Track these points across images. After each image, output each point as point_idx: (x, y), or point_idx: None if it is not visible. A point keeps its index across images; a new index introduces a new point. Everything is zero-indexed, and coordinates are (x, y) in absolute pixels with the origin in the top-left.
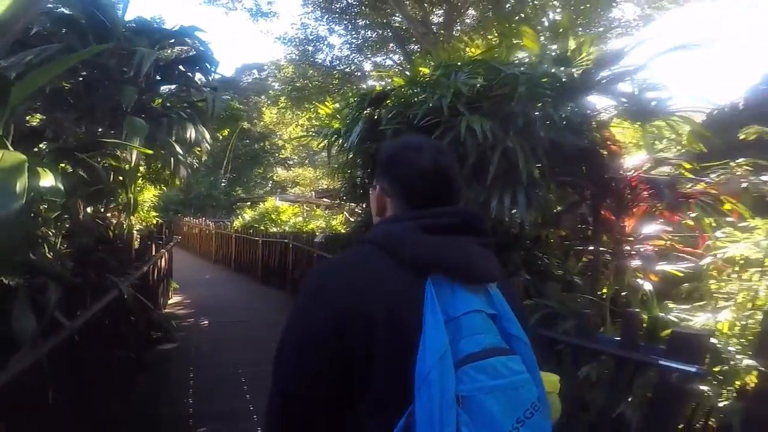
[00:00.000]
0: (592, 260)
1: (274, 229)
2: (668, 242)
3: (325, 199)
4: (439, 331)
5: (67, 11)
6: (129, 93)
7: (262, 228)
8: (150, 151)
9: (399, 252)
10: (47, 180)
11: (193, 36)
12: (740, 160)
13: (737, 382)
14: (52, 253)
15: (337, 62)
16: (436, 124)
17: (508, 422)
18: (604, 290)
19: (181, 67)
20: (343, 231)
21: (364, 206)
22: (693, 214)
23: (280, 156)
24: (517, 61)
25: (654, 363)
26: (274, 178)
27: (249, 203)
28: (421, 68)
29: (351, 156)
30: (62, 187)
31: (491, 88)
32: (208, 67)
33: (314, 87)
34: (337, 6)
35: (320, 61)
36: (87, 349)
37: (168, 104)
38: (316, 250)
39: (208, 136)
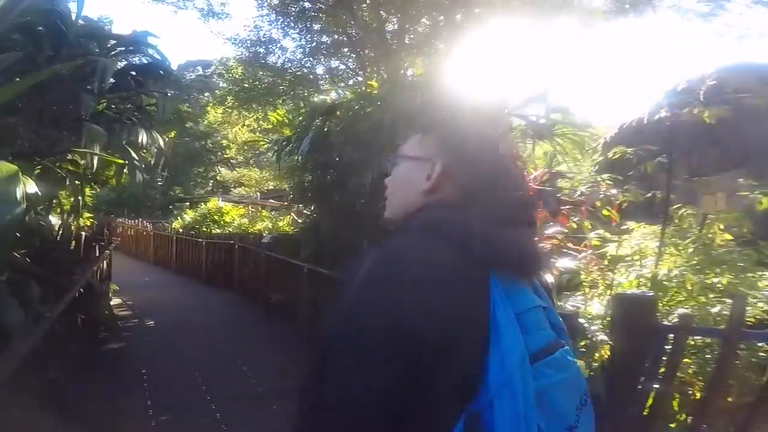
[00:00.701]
0: None
1: (218, 231)
2: (561, 242)
3: (271, 201)
4: (515, 332)
5: (21, 18)
6: (87, 101)
7: (205, 229)
8: (121, 161)
9: (468, 245)
10: (31, 187)
11: (148, 44)
12: (605, 175)
13: (596, 355)
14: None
15: (289, 65)
16: (379, 138)
17: (572, 411)
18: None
19: (135, 73)
20: (290, 232)
21: (312, 208)
22: (575, 219)
23: (225, 156)
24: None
25: None
26: (218, 178)
27: (188, 203)
28: (370, 83)
29: (301, 162)
30: (40, 193)
31: (427, 105)
32: (162, 75)
33: (263, 88)
34: (293, 9)
35: (272, 63)
36: (45, 341)
37: (120, 108)
38: (264, 251)
39: (161, 141)
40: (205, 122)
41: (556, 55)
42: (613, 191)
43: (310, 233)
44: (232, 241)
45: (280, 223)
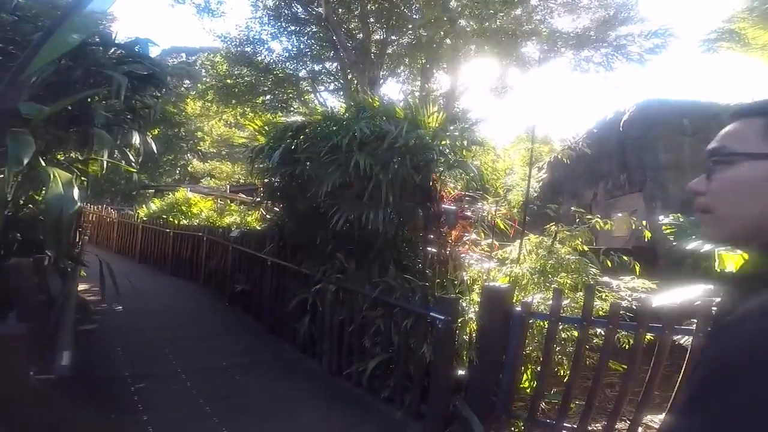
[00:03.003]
0: (429, 258)
1: (185, 222)
2: (469, 248)
3: (241, 195)
4: None
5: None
6: (99, 112)
7: (171, 220)
8: (133, 170)
9: None
10: (75, 189)
11: (149, 58)
12: (490, 200)
13: (466, 329)
14: None
15: (274, 66)
16: (335, 159)
17: None
18: (444, 279)
19: (135, 81)
20: (258, 227)
21: (279, 207)
22: (475, 231)
23: (198, 147)
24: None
25: (427, 313)
26: (189, 168)
27: (154, 191)
28: (341, 106)
29: (271, 169)
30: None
31: (374, 134)
32: (158, 84)
33: (245, 85)
34: (286, 12)
35: (257, 63)
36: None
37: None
38: (231, 244)
39: (153, 145)
40: (183, 112)
41: (518, 79)
42: (491, 208)
43: (275, 230)
44: (200, 233)
45: (249, 219)
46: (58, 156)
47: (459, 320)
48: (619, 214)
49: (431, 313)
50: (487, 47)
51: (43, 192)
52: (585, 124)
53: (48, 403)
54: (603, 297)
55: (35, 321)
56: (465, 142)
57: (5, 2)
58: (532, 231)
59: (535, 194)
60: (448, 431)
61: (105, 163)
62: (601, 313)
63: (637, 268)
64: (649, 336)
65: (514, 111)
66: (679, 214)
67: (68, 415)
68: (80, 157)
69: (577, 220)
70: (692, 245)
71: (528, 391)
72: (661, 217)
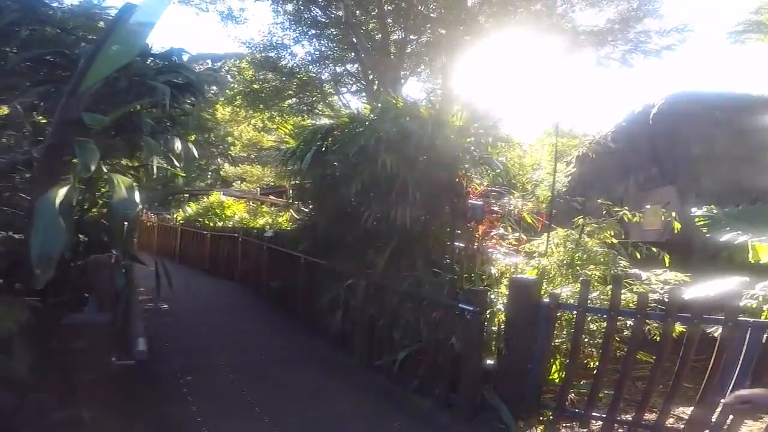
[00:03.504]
0: (457, 252)
1: (220, 224)
2: (497, 242)
3: (271, 197)
4: None
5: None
6: (146, 121)
7: (207, 222)
8: (182, 174)
9: None
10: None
11: (185, 67)
12: (516, 194)
13: (495, 320)
14: None
15: (298, 70)
16: (363, 159)
17: None
18: (472, 272)
19: (173, 90)
20: (288, 227)
21: (309, 207)
22: (501, 225)
23: (229, 152)
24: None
25: (456, 305)
26: (221, 172)
27: (188, 195)
28: (365, 107)
29: (303, 171)
30: None
31: (400, 134)
32: (195, 92)
33: (271, 90)
34: (306, 16)
35: (281, 67)
36: None
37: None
38: (266, 243)
39: (194, 150)
40: (212, 117)
41: (541, 74)
42: (518, 202)
43: (307, 229)
44: (236, 234)
45: (280, 219)
46: (115, 162)
47: (487, 312)
48: (648, 207)
49: (460, 305)
50: (509, 43)
51: (101, 196)
52: (613, 118)
53: (115, 393)
54: (634, 289)
55: (111, 311)
56: (490, 139)
57: (51, 16)
58: (561, 225)
59: (564, 188)
60: (477, 420)
61: (155, 168)
62: (631, 305)
63: (667, 260)
64: (681, 328)
65: (539, 106)
66: (712, 206)
67: (127, 407)
68: (129, 164)
69: (604, 212)
70: (726, 237)
71: (557, 381)
72: (694, 210)
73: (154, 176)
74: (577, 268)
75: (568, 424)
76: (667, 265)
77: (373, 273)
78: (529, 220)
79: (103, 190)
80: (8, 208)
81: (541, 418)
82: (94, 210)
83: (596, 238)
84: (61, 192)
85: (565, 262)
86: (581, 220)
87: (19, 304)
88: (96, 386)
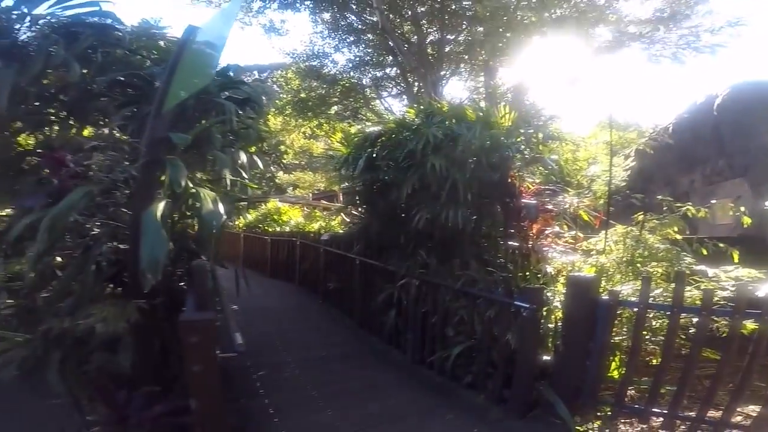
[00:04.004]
0: (510, 252)
1: (278, 229)
2: (552, 241)
3: (323, 201)
4: None
5: None
6: (216, 137)
7: (266, 228)
8: (254, 186)
9: None
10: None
11: (244, 82)
12: (571, 192)
13: (552, 317)
14: None
15: (340, 77)
16: (412, 164)
17: None
18: (526, 271)
19: (235, 105)
20: (341, 231)
21: (362, 211)
22: (556, 223)
23: (282, 160)
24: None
25: (511, 303)
26: (276, 180)
27: (247, 203)
28: (409, 111)
29: (355, 176)
30: None
31: (447, 137)
32: (256, 106)
33: (317, 97)
34: (343, 24)
35: (324, 75)
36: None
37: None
38: (323, 246)
39: (258, 161)
40: (266, 127)
41: (591, 67)
42: (573, 200)
43: (361, 231)
44: (294, 238)
45: (332, 223)
46: (192, 176)
47: (544, 309)
48: (713, 201)
49: (516, 302)
50: (552, 37)
51: (186, 209)
52: (671, 111)
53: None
54: (701, 286)
55: (210, 310)
56: (541, 136)
57: (121, 39)
58: (620, 221)
59: (623, 183)
60: (531, 415)
61: (228, 181)
62: (698, 302)
63: (736, 257)
64: (752, 325)
65: (590, 100)
66: None
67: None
68: (203, 177)
69: (665, 208)
70: None
71: (615, 377)
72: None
73: (228, 188)
74: (638, 265)
75: (627, 420)
76: (736, 261)
77: (425, 273)
78: (586, 218)
79: (189, 203)
80: (113, 221)
81: (598, 414)
82: (181, 221)
83: (658, 235)
84: (160, 206)
85: (624, 259)
86: (641, 216)
87: (128, 306)
88: (199, 379)
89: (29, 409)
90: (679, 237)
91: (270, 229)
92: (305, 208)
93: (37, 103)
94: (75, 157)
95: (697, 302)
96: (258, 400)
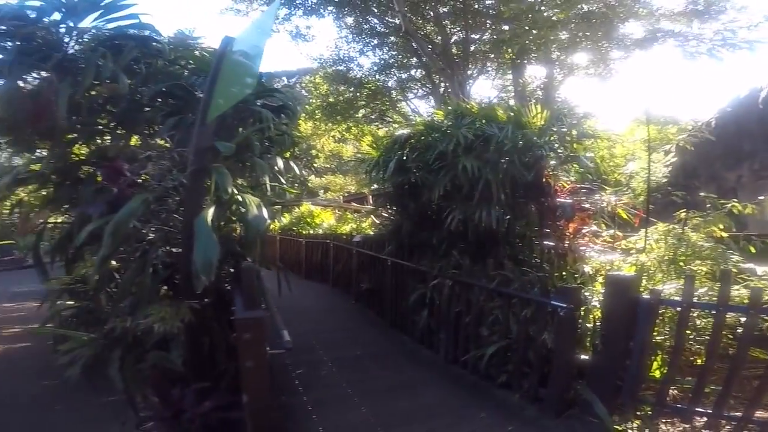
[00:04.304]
0: (546, 251)
1: (311, 231)
2: (590, 240)
3: (353, 204)
4: None
5: None
6: (255, 143)
7: (300, 230)
8: (293, 190)
9: None
10: (264, 210)
11: (278, 90)
12: (609, 190)
13: (590, 316)
14: None
15: (366, 80)
16: (443, 165)
17: None
18: (563, 271)
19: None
20: (371, 232)
21: (393, 212)
22: (593, 222)
23: (314, 164)
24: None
25: (548, 302)
26: (308, 184)
27: (282, 206)
28: (438, 112)
29: (386, 179)
30: None
31: (478, 138)
32: (290, 113)
33: (345, 101)
34: (366, 27)
35: (351, 78)
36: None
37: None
38: (355, 248)
39: (294, 166)
40: (297, 132)
41: (624, 62)
42: (611, 198)
43: (392, 233)
44: (327, 240)
45: (363, 225)
46: (237, 182)
47: (581, 308)
48: (761, 197)
49: (552, 302)
50: (580, 33)
51: (231, 214)
52: (713, 105)
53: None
54: (749, 285)
55: (259, 309)
56: (575, 134)
57: (161, 50)
58: (662, 219)
59: (665, 179)
60: (567, 414)
61: (268, 186)
62: (745, 301)
63: None
64: None
65: (625, 96)
66: None
67: None
68: (244, 183)
69: (708, 205)
70: None
71: (657, 377)
72: None
73: (268, 193)
74: (681, 264)
75: (668, 420)
76: None
77: (458, 273)
78: (625, 216)
79: (233, 208)
80: (166, 227)
81: (638, 413)
82: (226, 226)
83: (702, 232)
84: (210, 212)
85: (666, 258)
86: (683, 213)
87: (182, 306)
88: (251, 374)
89: (88, 406)
90: (724, 234)
91: (304, 232)
92: (337, 211)
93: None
94: (131, 166)
95: (745, 301)
96: (297, 397)
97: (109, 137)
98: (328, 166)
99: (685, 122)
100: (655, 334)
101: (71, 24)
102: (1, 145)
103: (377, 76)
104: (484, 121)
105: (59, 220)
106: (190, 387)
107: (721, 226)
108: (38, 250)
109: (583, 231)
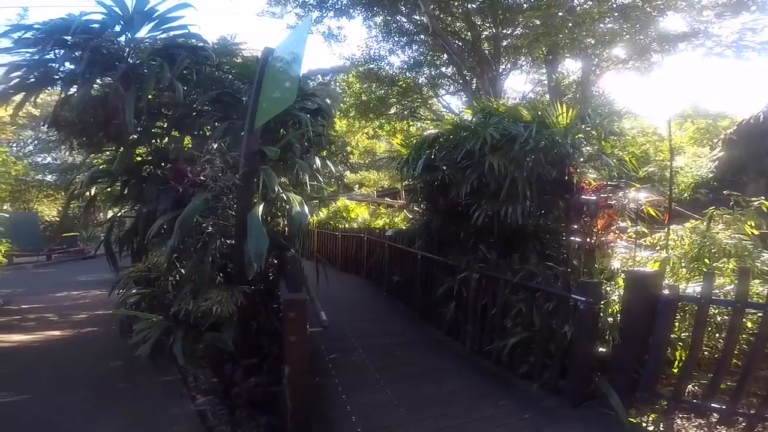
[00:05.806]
0: (572, 248)
1: (346, 226)
2: (617, 236)
3: (387, 198)
4: None
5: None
6: (296, 146)
7: (337, 225)
8: (332, 189)
9: None
10: (306, 207)
11: (313, 94)
12: (637, 186)
13: (610, 309)
14: None
15: (397, 78)
16: (470, 163)
17: None
18: (589, 266)
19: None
20: (404, 227)
21: (423, 208)
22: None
23: (349, 161)
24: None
25: (569, 296)
26: (344, 180)
27: (319, 202)
28: (466, 111)
29: (416, 176)
30: None
31: (504, 137)
32: (327, 115)
33: (377, 99)
34: (395, 26)
35: (382, 77)
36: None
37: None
38: (387, 242)
39: (331, 165)
40: (333, 129)
41: (665, 55)
42: (639, 195)
43: (422, 228)
44: (362, 234)
45: (396, 220)
46: (281, 181)
47: (602, 303)
48: None
49: (573, 296)
50: (617, 26)
51: (277, 209)
52: (761, 98)
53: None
54: None
55: (301, 292)
56: (602, 133)
57: (209, 57)
58: (702, 216)
59: (710, 174)
60: (585, 405)
61: (308, 185)
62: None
63: None
64: None
65: (664, 90)
66: None
67: None
68: (287, 181)
69: (731, 203)
70: None
71: (675, 372)
72: None
73: (307, 190)
74: (706, 260)
75: (684, 415)
76: None
77: (485, 267)
78: (653, 213)
79: (278, 205)
80: (222, 221)
81: (654, 407)
82: (272, 220)
83: (732, 230)
84: (260, 208)
85: (690, 255)
86: (713, 210)
87: (236, 291)
88: (294, 348)
89: (150, 384)
90: (755, 232)
91: (339, 226)
92: (371, 206)
93: (147, 119)
94: (192, 168)
95: None
96: (330, 379)
97: (166, 139)
98: (362, 162)
99: (732, 116)
100: (674, 329)
101: (129, 35)
102: (75, 145)
103: (408, 74)
104: (510, 120)
105: (119, 214)
106: (238, 364)
107: (752, 224)
108: (110, 242)
109: (610, 227)
